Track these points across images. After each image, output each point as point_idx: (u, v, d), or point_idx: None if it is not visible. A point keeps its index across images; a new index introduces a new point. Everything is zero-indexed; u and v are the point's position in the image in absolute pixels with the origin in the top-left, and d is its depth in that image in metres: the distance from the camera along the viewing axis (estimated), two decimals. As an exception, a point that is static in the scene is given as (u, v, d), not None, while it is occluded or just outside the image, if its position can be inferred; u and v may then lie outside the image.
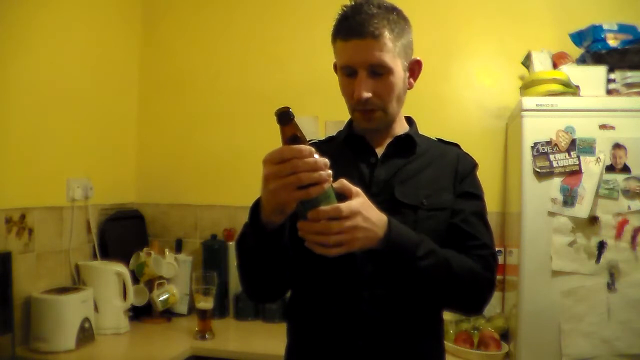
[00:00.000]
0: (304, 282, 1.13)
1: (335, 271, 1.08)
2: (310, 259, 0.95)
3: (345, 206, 0.89)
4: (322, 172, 0.85)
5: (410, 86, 1.17)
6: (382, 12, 1.05)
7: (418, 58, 1.16)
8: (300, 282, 1.13)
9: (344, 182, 0.93)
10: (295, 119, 0.88)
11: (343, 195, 0.91)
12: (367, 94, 1.07)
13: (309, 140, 1.24)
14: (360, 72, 1.07)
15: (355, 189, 0.93)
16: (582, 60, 2.07)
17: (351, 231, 0.89)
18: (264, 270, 1.05)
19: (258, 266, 1.05)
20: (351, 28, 1.05)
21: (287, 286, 1.15)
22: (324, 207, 0.87)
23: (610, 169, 1.74)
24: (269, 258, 1.01)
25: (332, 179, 0.88)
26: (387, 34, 1.04)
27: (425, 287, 1.04)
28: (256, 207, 0.96)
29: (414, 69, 1.16)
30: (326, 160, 0.86)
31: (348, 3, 1.09)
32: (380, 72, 1.07)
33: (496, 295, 2.15)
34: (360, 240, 0.92)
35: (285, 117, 0.87)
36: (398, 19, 1.08)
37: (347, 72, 1.09)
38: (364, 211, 0.92)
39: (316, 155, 0.85)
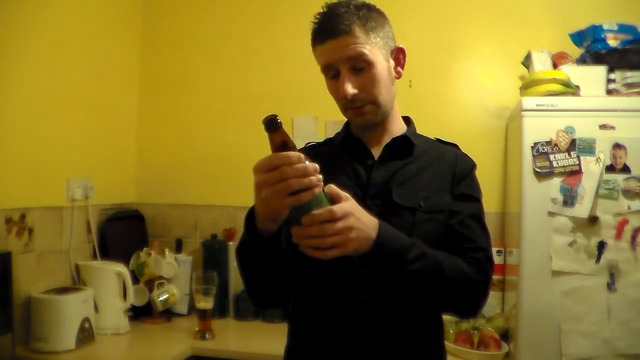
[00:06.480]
0: (305, 286, 1.13)
1: (335, 274, 1.08)
2: (309, 262, 0.95)
3: (337, 208, 0.89)
4: (312, 178, 0.85)
5: (399, 75, 1.16)
6: (352, 10, 1.07)
7: (400, 45, 1.16)
8: (301, 285, 1.13)
9: (332, 187, 0.92)
10: (282, 126, 0.88)
11: (332, 200, 0.91)
12: (352, 90, 1.07)
13: (308, 143, 1.25)
14: (341, 70, 1.08)
15: (344, 193, 0.93)
16: (582, 60, 2.07)
17: (345, 232, 0.89)
18: (266, 276, 1.05)
19: (260, 273, 1.05)
20: (324, 31, 1.08)
21: (292, 290, 1.14)
22: (317, 211, 0.87)
23: (610, 169, 1.74)
24: (269, 264, 1.01)
25: (322, 183, 0.88)
26: (358, 28, 1.06)
27: (417, 290, 1.03)
28: (251, 215, 0.96)
29: (398, 57, 1.16)
30: (316, 166, 0.86)
31: (321, 10, 1.10)
32: (361, 66, 1.07)
33: (496, 295, 2.15)
34: (354, 241, 0.91)
35: (272, 124, 0.87)
36: (369, 13, 1.09)
37: (330, 73, 1.11)
38: (356, 212, 0.92)
39: (306, 161, 0.85)
